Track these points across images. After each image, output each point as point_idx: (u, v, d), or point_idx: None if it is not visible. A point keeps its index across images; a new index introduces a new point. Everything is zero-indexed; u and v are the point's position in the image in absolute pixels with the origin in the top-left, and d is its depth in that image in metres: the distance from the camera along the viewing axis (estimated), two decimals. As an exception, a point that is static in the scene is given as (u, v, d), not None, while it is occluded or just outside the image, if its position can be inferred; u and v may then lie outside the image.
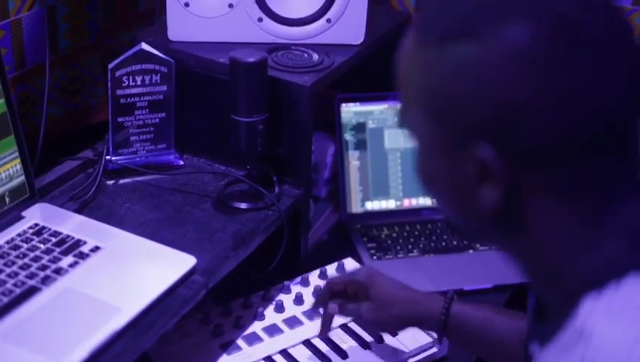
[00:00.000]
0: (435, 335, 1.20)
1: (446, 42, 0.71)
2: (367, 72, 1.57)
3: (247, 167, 1.35)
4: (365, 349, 1.28)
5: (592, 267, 0.72)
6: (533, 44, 0.68)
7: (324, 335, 1.26)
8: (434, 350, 1.29)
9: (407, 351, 1.27)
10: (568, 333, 0.71)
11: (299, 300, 1.35)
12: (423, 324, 1.20)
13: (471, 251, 1.55)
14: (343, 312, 1.23)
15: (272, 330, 1.29)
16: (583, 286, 0.71)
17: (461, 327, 1.15)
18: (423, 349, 1.29)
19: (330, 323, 1.24)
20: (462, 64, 0.70)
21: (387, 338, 1.29)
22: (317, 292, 1.33)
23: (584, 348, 0.68)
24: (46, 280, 1.09)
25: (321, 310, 1.26)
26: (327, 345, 1.27)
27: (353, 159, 1.61)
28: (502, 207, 0.72)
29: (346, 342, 1.28)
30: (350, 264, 1.45)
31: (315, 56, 1.40)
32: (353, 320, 1.30)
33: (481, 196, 0.73)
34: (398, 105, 0.79)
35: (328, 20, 1.42)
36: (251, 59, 1.27)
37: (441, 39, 0.71)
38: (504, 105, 0.69)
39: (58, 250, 1.15)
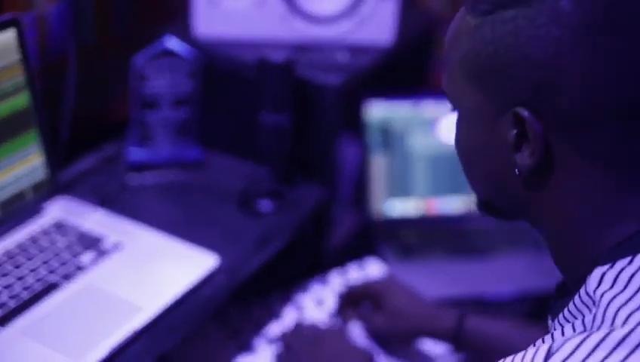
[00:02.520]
0: None
1: (496, 9, 0.73)
2: (395, 73, 1.55)
3: (272, 166, 1.34)
4: (392, 355, 1.26)
5: (611, 243, 0.73)
6: (575, 9, 0.69)
7: None
8: None
9: None
10: (577, 302, 0.72)
11: (319, 301, 1.33)
12: (436, 339, 1.20)
13: (495, 255, 1.53)
14: (358, 318, 1.25)
15: (293, 332, 1.27)
16: (598, 261, 0.72)
17: (475, 343, 1.15)
18: None
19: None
20: (508, 28, 0.72)
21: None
22: (338, 298, 1.32)
23: (590, 314, 0.69)
24: (66, 276, 1.08)
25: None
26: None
27: (378, 160, 1.59)
28: (536, 172, 0.73)
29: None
30: (372, 264, 1.43)
31: (344, 57, 1.38)
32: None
33: (517, 161, 0.74)
34: (444, 81, 0.81)
35: (357, 20, 1.40)
36: (280, 59, 1.25)
37: (492, 7, 0.73)
38: (547, 69, 0.70)
39: (79, 245, 1.14)
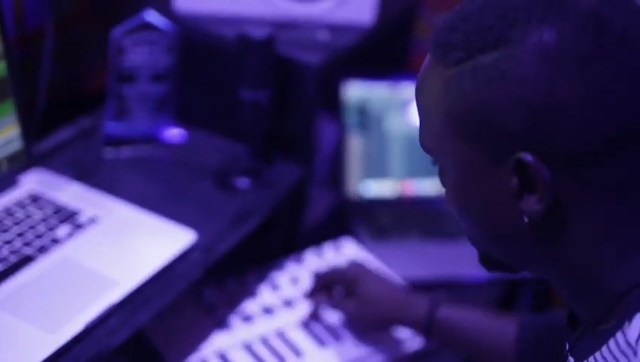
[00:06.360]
0: None
1: (472, 56, 0.69)
2: (375, 54, 1.55)
3: (250, 143, 1.33)
4: (366, 334, 1.26)
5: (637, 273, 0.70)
6: (562, 42, 0.66)
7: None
8: None
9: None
10: (612, 348, 0.69)
11: (294, 279, 1.34)
12: (407, 326, 1.19)
13: (468, 239, 1.55)
14: (330, 306, 1.25)
15: (267, 309, 1.27)
16: (631, 301, 0.69)
17: (447, 332, 1.14)
18: None
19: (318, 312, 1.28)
20: (492, 73, 0.68)
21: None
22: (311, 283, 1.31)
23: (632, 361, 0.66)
24: (42, 249, 1.07)
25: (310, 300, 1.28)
26: (322, 325, 1.26)
27: (355, 140, 1.59)
28: (544, 217, 0.70)
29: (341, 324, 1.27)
30: (347, 244, 1.44)
31: (324, 36, 1.38)
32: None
33: (523, 209, 0.70)
34: (422, 137, 0.76)
35: (338, -1, 1.39)
36: (260, 36, 1.24)
37: (467, 54, 0.69)
38: (542, 110, 0.66)
39: (55, 218, 1.13)
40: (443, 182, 0.78)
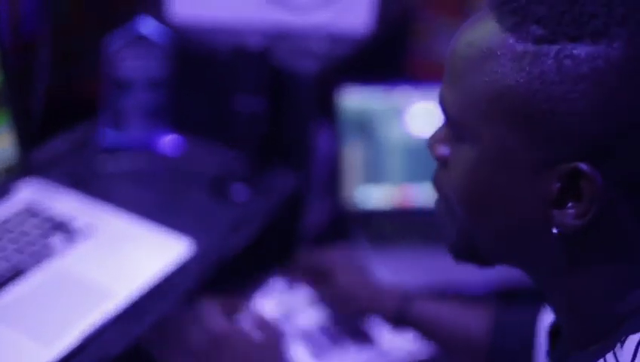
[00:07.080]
0: None
1: (557, 39, 0.60)
2: (372, 61, 1.54)
3: (246, 152, 1.33)
4: (365, 343, 1.26)
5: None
6: None
7: None
8: None
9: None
10: None
11: (291, 287, 1.33)
12: (379, 317, 1.20)
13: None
14: (307, 286, 1.26)
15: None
16: (625, 324, 0.65)
17: (422, 326, 1.14)
18: None
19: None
20: (584, 70, 0.59)
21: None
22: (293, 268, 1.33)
23: None
24: (37, 260, 1.06)
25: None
26: (321, 335, 1.26)
27: (352, 148, 1.59)
28: (577, 233, 0.63)
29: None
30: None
31: (320, 44, 1.37)
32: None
33: (554, 218, 0.63)
34: (450, 103, 0.66)
35: (335, 8, 1.39)
36: (256, 47, 1.24)
37: (551, 35, 0.60)
38: (625, 123, 0.59)
39: (50, 228, 1.12)
40: (443, 159, 0.70)
